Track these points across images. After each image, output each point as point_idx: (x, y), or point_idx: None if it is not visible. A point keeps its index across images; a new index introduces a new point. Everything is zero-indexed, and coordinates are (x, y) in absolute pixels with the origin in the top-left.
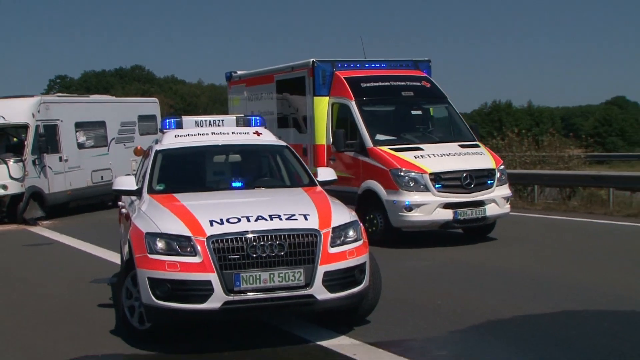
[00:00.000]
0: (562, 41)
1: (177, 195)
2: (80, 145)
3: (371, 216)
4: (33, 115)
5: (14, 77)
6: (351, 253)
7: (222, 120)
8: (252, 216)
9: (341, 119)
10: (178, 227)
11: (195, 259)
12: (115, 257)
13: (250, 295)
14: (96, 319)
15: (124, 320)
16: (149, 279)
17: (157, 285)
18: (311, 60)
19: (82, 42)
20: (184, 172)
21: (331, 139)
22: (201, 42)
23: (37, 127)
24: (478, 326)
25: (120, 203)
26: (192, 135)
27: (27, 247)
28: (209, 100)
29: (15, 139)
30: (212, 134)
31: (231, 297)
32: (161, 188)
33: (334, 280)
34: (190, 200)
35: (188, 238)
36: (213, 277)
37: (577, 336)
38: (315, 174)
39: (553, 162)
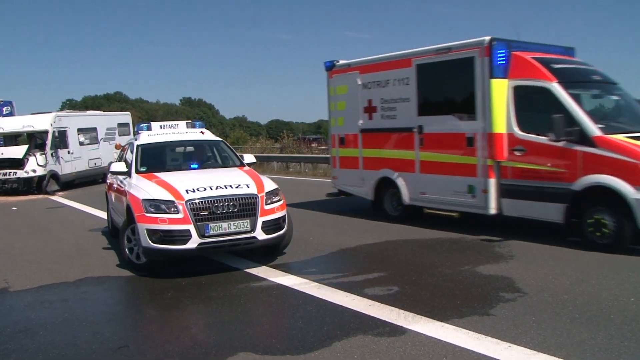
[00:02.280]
0: None
1: (157, 174)
2: (81, 143)
3: (598, 217)
4: (51, 124)
5: (41, 99)
6: (278, 209)
7: (177, 125)
8: (212, 186)
9: (529, 104)
10: (164, 194)
11: (179, 215)
12: (102, 214)
13: (215, 239)
14: (92, 254)
15: (127, 258)
16: (147, 230)
17: (152, 234)
18: (487, 38)
19: (83, 76)
20: (158, 159)
21: (515, 126)
22: (158, 70)
23: (53, 132)
24: (335, 252)
25: (108, 180)
26: (159, 134)
27: (49, 209)
28: (163, 113)
29: (39, 140)
30: (172, 133)
31: (203, 240)
32: (144, 170)
33: (268, 227)
34: (167, 177)
35: (172, 202)
36: (191, 227)
37: (395, 256)
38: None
39: None
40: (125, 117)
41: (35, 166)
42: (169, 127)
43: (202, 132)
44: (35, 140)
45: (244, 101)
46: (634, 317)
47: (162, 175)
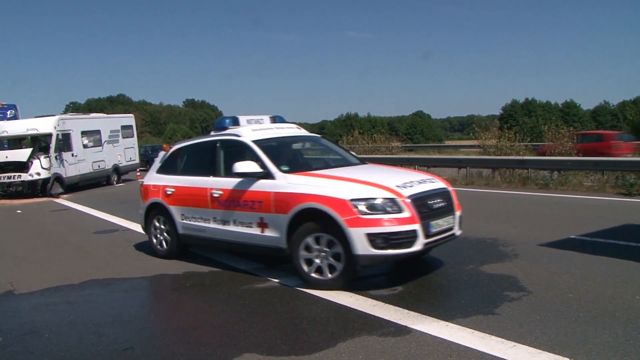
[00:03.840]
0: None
1: (315, 172)
2: (85, 146)
3: None
4: (55, 128)
5: (44, 102)
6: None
7: (263, 119)
8: (409, 182)
9: None
10: (378, 192)
11: (404, 215)
12: (107, 217)
13: (434, 238)
14: (97, 256)
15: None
16: (367, 234)
17: (376, 238)
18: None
19: (87, 79)
20: (285, 156)
21: None
22: (162, 73)
23: (57, 135)
24: None
25: (146, 182)
26: (263, 129)
27: (53, 212)
28: (167, 115)
29: (43, 143)
30: (275, 128)
31: (427, 240)
32: (287, 169)
33: (460, 222)
34: (344, 174)
35: (393, 199)
36: (418, 227)
37: None
38: None
39: (383, 150)
40: (129, 119)
41: (39, 169)
42: (256, 121)
43: (299, 128)
44: (39, 143)
45: (247, 102)
46: (639, 315)
47: (331, 173)
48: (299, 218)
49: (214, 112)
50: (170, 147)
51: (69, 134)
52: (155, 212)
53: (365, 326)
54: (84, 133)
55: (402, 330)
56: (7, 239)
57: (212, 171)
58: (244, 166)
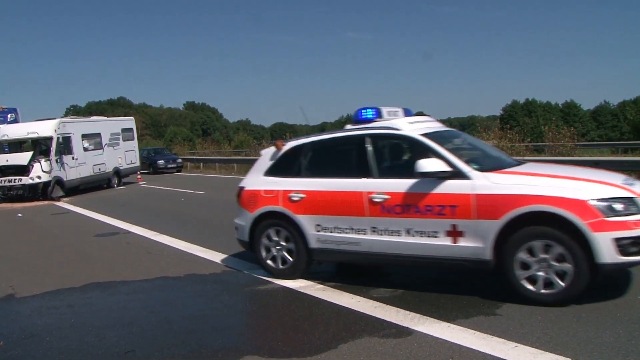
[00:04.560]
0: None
1: (519, 170)
2: (85, 149)
3: None
4: (55, 131)
5: (45, 106)
6: None
7: (397, 111)
8: (624, 180)
9: None
10: (614, 191)
11: None
12: (108, 219)
13: None
14: (98, 259)
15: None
16: (615, 239)
17: (625, 243)
18: None
19: (87, 82)
20: (462, 152)
21: None
22: (162, 75)
23: (58, 138)
24: None
25: (249, 186)
26: (419, 122)
27: (54, 215)
28: (167, 118)
29: (44, 147)
30: (424, 122)
31: None
32: (478, 167)
33: None
34: (551, 172)
35: (631, 199)
36: None
37: None
38: None
39: None
40: (129, 122)
41: (40, 172)
42: (393, 113)
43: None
44: (39, 147)
45: (248, 104)
46: None
47: (538, 170)
48: (514, 224)
49: (214, 115)
50: (284, 144)
51: (70, 137)
52: (269, 222)
53: (367, 327)
54: (84, 136)
55: (403, 332)
56: (8, 243)
57: (362, 171)
58: (431, 165)
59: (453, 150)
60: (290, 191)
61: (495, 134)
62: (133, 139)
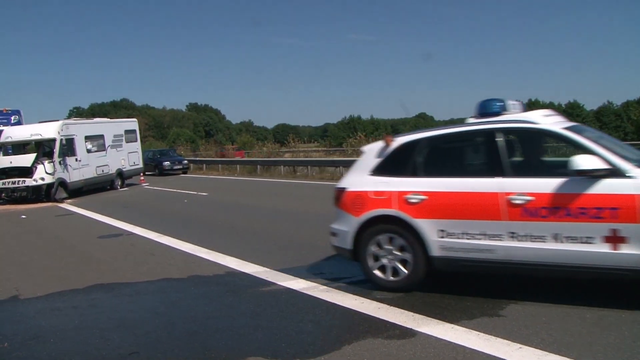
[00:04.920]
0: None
1: None
2: (89, 151)
3: None
4: (58, 133)
5: (48, 108)
6: None
7: (516, 104)
8: None
9: None
10: None
11: None
12: (111, 221)
13: None
14: (102, 261)
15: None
16: None
17: None
18: None
19: (90, 84)
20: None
21: None
22: (165, 76)
23: (61, 140)
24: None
25: (354, 187)
26: (549, 115)
27: (58, 217)
28: (170, 119)
29: (47, 148)
30: (552, 115)
31: None
32: (636, 164)
33: None
34: None
35: None
36: None
37: None
38: None
39: None
40: (132, 123)
41: (43, 174)
42: (515, 106)
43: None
44: (43, 149)
45: (250, 106)
46: None
47: None
48: None
49: (217, 116)
50: (393, 139)
51: (73, 138)
52: (380, 228)
53: (370, 329)
54: (87, 138)
55: (407, 333)
56: (12, 244)
57: (495, 170)
58: (587, 162)
59: (604, 146)
60: (406, 192)
61: None
62: (136, 141)
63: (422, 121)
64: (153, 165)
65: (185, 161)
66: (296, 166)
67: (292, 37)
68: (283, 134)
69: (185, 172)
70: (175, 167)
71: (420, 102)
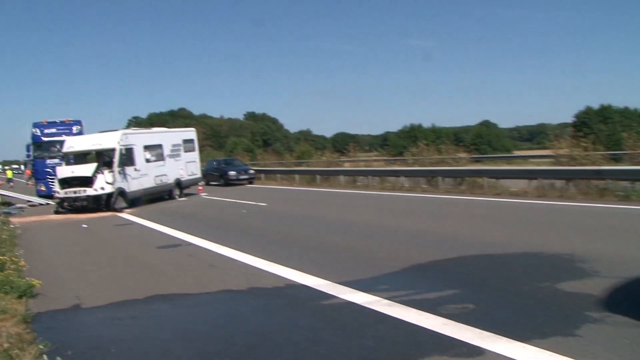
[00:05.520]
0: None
1: None
2: (147, 160)
3: None
4: (118, 142)
5: (107, 118)
6: None
7: None
8: None
9: None
10: None
11: None
12: (170, 231)
13: None
14: (161, 271)
15: None
16: None
17: None
18: None
19: (149, 93)
20: None
21: None
22: (222, 86)
23: (120, 149)
24: (406, 269)
25: None
26: None
27: (117, 226)
28: (228, 128)
29: (107, 158)
30: None
31: None
32: None
33: None
34: None
35: None
36: None
37: (469, 272)
38: None
39: (449, 162)
40: (190, 133)
41: (103, 184)
42: None
43: None
44: (103, 158)
45: (308, 114)
46: None
47: None
48: None
49: (274, 125)
50: None
51: (132, 148)
52: None
53: (436, 346)
54: (146, 147)
55: (475, 351)
56: (73, 253)
57: None
58: None
59: None
60: None
61: (567, 142)
62: (194, 150)
63: (486, 129)
64: (218, 175)
65: (252, 171)
66: (356, 176)
67: (350, 44)
68: (342, 143)
69: (251, 182)
70: (242, 177)
71: (483, 109)
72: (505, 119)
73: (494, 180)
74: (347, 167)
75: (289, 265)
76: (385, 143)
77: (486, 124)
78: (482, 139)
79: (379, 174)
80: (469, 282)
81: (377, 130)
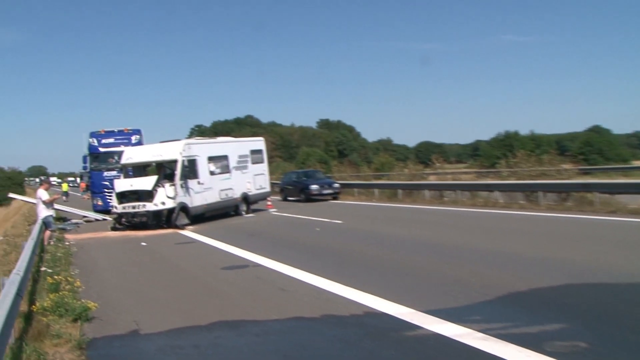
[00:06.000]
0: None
1: None
2: (212, 173)
3: None
4: (180, 153)
5: (168, 127)
6: None
7: None
8: None
9: None
10: None
11: None
12: (236, 251)
13: None
14: (225, 295)
15: None
16: None
17: None
18: None
19: (212, 99)
20: None
21: None
22: (293, 92)
23: (183, 161)
24: (502, 297)
25: None
26: None
27: (178, 245)
28: (299, 137)
29: (168, 170)
30: None
31: None
32: None
33: None
34: None
35: None
36: None
37: (580, 304)
38: None
39: (552, 174)
40: (259, 143)
41: (164, 198)
42: None
43: None
44: (164, 171)
45: (388, 122)
46: None
47: None
48: None
49: (350, 134)
50: None
51: (195, 159)
52: None
53: None
54: (210, 159)
55: None
56: (131, 273)
57: None
58: None
59: None
60: None
61: None
62: (263, 162)
63: (596, 135)
64: (297, 190)
65: (337, 184)
66: (443, 190)
67: (432, 42)
68: (426, 153)
69: (335, 198)
70: (325, 192)
71: (592, 112)
72: (621, 124)
73: (607, 195)
74: (432, 180)
75: (368, 290)
76: (476, 153)
77: (597, 130)
78: (592, 148)
79: (469, 188)
80: (580, 316)
81: (466, 138)
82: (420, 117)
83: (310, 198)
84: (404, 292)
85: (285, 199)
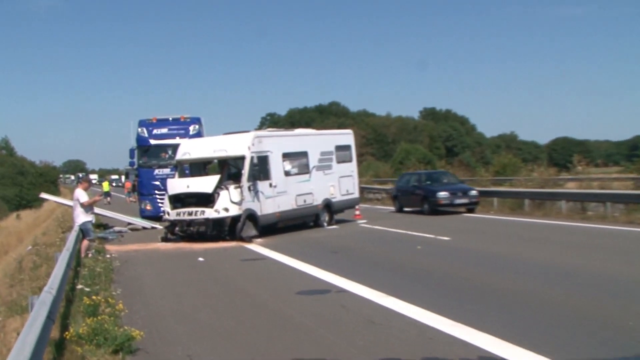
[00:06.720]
0: None
1: None
2: (287, 173)
3: None
4: (249, 148)
5: (234, 115)
6: None
7: None
8: None
9: None
10: None
11: None
12: (315, 271)
13: None
14: (302, 327)
15: None
16: None
17: None
18: None
19: (288, 83)
20: None
21: None
22: (390, 76)
23: (252, 158)
24: None
25: None
26: None
27: (244, 262)
28: (397, 131)
29: (234, 169)
30: None
31: None
32: None
33: None
34: None
35: None
36: None
37: None
38: None
39: None
40: (346, 137)
41: (228, 204)
42: None
43: None
44: (228, 169)
45: (513, 112)
46: None
47: None
48: None
49: (463, 127)
50: None
51: (267, 156)
52: None
53: None
54: (286, 155)
55: None
56: (186, 295)
57: None
58: None
59: None
60: None
61: None
62: (351, 160)
63: None
64: (419, 198)
65: (474, 191)
66: (587, 202)
67: (583, 4)
68: (563, 153)
69: (471, 210)
70: (457, 201)
71: None
72: None
73: None
74: (570, 188)
75: (482, 327)
76: (634, 153)
77: None
78: None
79: (624, 199)
80: None
81: (619, 134)
82: (554, 106)
83: (436, 209)
84: (532, 333)
85: (400, 210)
